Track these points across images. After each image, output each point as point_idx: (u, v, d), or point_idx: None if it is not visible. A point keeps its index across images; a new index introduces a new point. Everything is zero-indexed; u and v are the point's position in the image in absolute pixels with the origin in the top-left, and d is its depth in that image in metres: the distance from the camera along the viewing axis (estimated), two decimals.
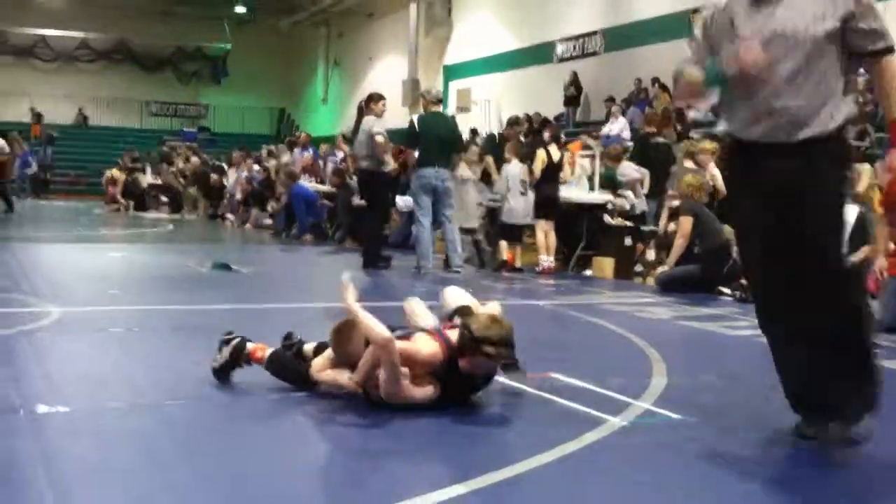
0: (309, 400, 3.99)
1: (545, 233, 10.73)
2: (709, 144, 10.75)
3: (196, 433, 3.48)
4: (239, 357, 4.17)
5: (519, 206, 10.79)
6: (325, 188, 16.06)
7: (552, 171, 10.67)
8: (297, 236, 15.19)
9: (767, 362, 3.78)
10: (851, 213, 7.31)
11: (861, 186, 8.53)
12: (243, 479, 2.98)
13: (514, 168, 10.87)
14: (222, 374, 4.20)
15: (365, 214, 11.05)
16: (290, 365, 4.12)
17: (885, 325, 6.67)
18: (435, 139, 10.07)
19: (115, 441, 3.35)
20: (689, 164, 10.56)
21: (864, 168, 9.17)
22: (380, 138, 10.32)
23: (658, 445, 3.50)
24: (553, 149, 10.88)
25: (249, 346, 4.21)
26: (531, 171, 10.71)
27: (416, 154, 10.30)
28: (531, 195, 10.77)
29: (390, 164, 11.15)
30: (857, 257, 7.14)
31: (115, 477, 2.97)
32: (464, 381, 3.84)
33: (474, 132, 20.31)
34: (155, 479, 2.95)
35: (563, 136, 13.80)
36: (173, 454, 3.22)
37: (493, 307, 4.45)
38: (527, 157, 10.95)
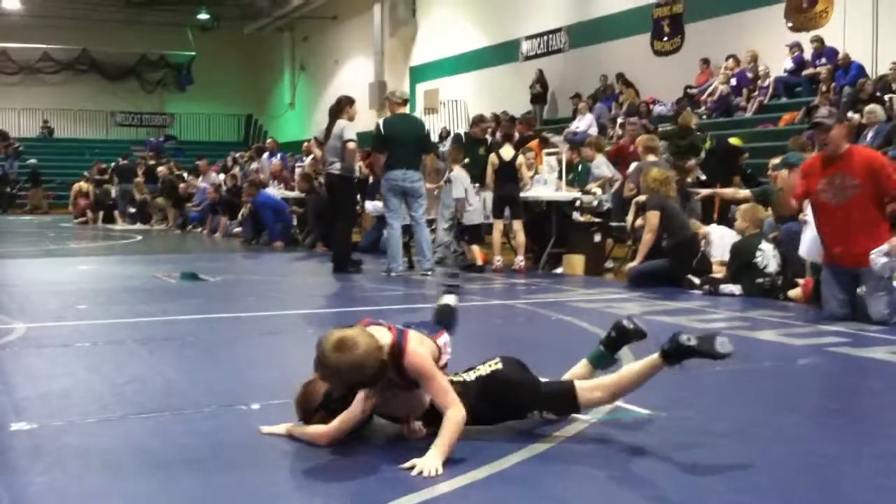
0: (273, 409, 3.96)
1: (501, 232, 10.87)
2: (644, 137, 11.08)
3: (162, 447, 3.44)
4: None
5: (477, 208, 11.09)
6: (294, 194, 16.01)
7: (506, 171, 10.72)
8: (268, 243, 15.13)
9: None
10: None
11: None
12: (210, 494, 2.95)
13: (460, 173, 11.07)
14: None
15: (334, 220, 11.00)
16: None
17: (830, 314, 6.78)
18: (402, 141, 10.04)
19: (80, 457, 3.30)
20: (650, 157, 10.62)
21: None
22: (352, 144, 10.30)
23: (627, 441, 3.50)
24: (506, 148, 10.94)
25: None
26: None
27: (384, 157, 10.27)
28: (489, 196, 10.92)
29: (359, 170, 11.15)
30: None
31: (79, 494, 2.93)
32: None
33: (447, 134, 20.36)
34: (119, 496, 2.92)
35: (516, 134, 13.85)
36: (138, 470, 3.18)
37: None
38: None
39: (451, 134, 20.23)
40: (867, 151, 7.02)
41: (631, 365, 3.66)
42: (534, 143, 13.89)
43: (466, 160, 11.62)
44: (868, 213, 6.61)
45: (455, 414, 3.26)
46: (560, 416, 3.63)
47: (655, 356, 3.54)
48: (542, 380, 3.63)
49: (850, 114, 13.99)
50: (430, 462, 3.11)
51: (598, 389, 3.58)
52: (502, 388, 3.54)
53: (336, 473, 3.18)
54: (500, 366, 3.59)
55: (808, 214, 7.54)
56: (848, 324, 6.47)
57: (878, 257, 6.44)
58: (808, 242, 7.41)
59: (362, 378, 3.25)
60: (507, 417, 3.59)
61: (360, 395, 3.41)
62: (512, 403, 3.55)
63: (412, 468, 3.09)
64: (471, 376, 3.58)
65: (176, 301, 8.00)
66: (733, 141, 14.02)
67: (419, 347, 3.41)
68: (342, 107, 10.52)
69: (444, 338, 3.66)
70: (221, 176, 19.85)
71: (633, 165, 11.48)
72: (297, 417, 3.58)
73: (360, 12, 30.57)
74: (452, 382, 3.47)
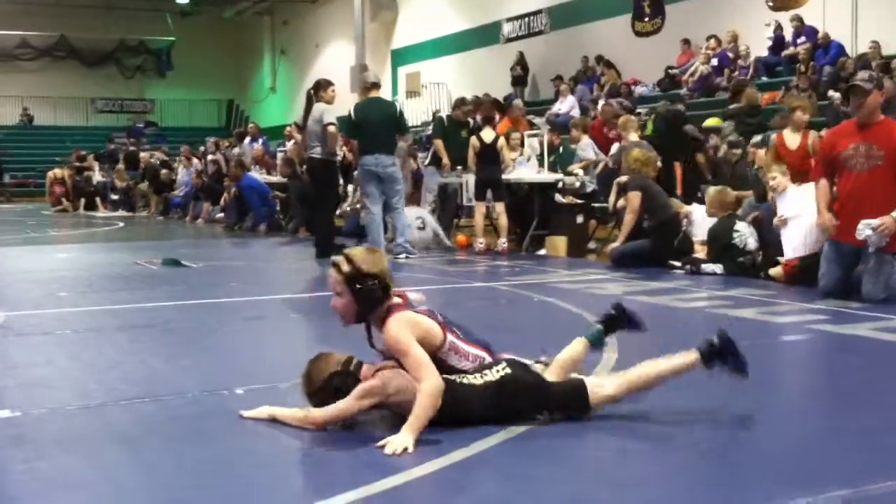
0: (255, 394, 3.95)
1: (483, 215, 10.85)
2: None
3: (142, 435, 3.43)
4: None
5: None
6: (277, 179, 15.95)
7: (487, 154, 10.72)
8: (252, 227, 15.08)
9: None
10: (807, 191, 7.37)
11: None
12: (190, 481, 2.94)
13: None
14: None
15: (316, 204, 10.94)
16: None
17: (823, 290, 6.76)
18: (373, 126, 9.95)
19: (61, 444, 3.29)
20: (633, 137, 10.65)
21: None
22: (332, 128, 10.22)
23: (605, 421, 3.50)
24: (486, 131, 10.94)
25: None
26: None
27: (358, 143, 10.23)
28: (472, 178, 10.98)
29: (341, 154, 11.11)
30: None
31: (60, 481, 2.92)
32: None
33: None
34: (100, 483, 2.91)
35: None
36: (119, 457, 3.16)
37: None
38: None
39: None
40: None
41: (652, 363, 3.54)
42: (501, 127, 13.76)
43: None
44: (887, 189, 6.48)
45: (428, 385, 3.23)
46: (571, 415, 3.48)
47: (690, 356, 3.53)
48: (550, 379, 3.55)
49: (830, 92, 14.03)
50: (400, 440, 3.11)
51: (612, 387, 3.49)
52: (516, 392, 3.44)
53: (314, 457, 3.18)
54: (508, 370, 3.48)
55: (784, 213, 7.53)
56: (830, 301, 6.49)
57: (864, 228, 6.41)
58: (793, 240, 7.41)
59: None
60: (516, 420, 3.45)
61: (358, 390, 3.38)
62: (525, 406, 3.46)
63: (385, 447, 3.09)
64: (479, 380, 3.46)
65: (158, 288, 7.97)
66: (712, 121, 14.05)
67: (402, 323, 3.40)
68: (319, 90, 10.45)
69: (471, 348, 3.61)
70: (197, 162, 19.77)
71: (615, 147, 11.50)
72: (303, 393, 3.53)
73: None
74: (462, 385, 3.42)
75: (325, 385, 3.47)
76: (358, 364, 3.52)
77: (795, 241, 7.44)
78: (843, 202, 6.72)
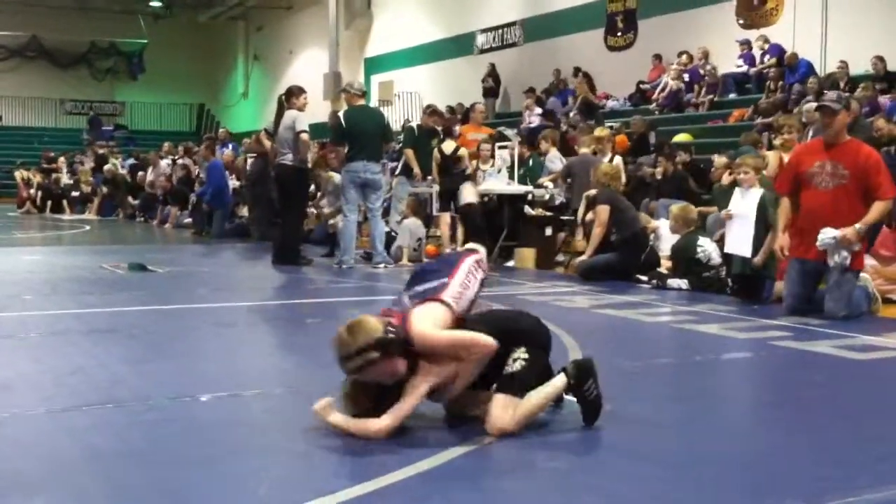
0: (219, 401, 3.95)
1: (448, 225, 10.94)
2: (601, 131, 11.04)
3: (104, 440, 3.41)
4: None
5: None
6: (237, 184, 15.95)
7: (449, 165, 10.81)
8: (219, 232, 14.99)
9: (680, 346, 3.83)
10: (755, 195, 7.47)
11: (769, 170, 8.72)
12: (151, 488, 2.93)
13: None
14: None
15: (284, 212, 10.89)
16: None
17: (788, 308, 6.85)
18: (363, 133, 10.03)
19: (21, 449, 3.26)
20: (584, 150, 10.90)
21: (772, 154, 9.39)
22: (305, 136, 10.23)
23: (570, 433, 3.52)
24: (447, 143, 11.03)
25: None
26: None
27: (346, 149, 10.23)
28: None
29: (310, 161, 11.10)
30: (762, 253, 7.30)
31: (19, 486, 2.89)
32: None
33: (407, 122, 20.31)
34: (60, 489, 2.89)
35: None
36: (79, 462, 3.15)
37: None
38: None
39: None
40: (867, 148, 6.93)
41: (535, 393, 3.54)
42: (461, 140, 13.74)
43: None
44: (851, 207, 6.60)
45: (489, 347, 3.43)
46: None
47: (560, 381, 3.56)
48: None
49: (796, 110, 14.18)
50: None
51: (513, 423, 3.46)
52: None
53: (276, 467, 3.16)
54: (526, 355, 3.56)
55: (732, 209, 7.64)
56: (792, 318, 6.57)
57: (827, 238, 6.50)
58: (735, 238, 7.51)
59: (384, 346, 3.32)
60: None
61: (415, 380, 3.40)
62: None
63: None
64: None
65: (123, 292, 7.91)
66: (682, 137, 14.17)
67: (420, 326, 3.42)
68: (291, 97, 10.45)
69: (453, 285, 3.61)
70: (166, 162, 19.72)
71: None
72: (338, 357, 3.43)
73: (315, 2, 30.40)
74: (517, 375, 3.50)
75: (363, 349, 3.35)
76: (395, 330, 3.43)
77: (737, 237, 7.54)
78: (807, 219, 6.81)
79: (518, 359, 3.55)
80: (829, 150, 6.77)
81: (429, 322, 3.46)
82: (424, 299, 3.57)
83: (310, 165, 11.08)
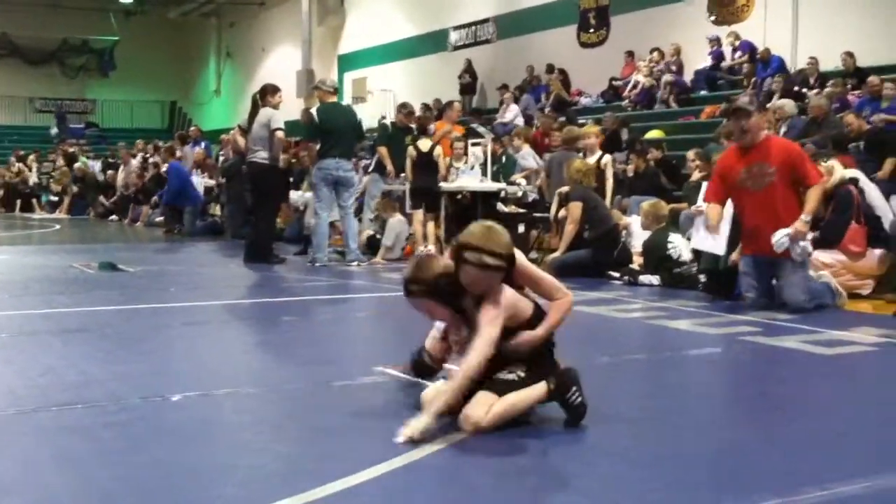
0: (190, 401, 3.94)
1: (422, 223, 10.93)
2: (591, 128, 11.02)
3: (74, 441, 3.39)
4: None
5: None
6: (214, 182, 15.86)
7: (424, 162, 10.81)
8: (188, 231, 14.91)
9: (651, 342, 3.86)
10: None
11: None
12: (122, 488, 2.92)
13: None
14: None
15: (257, 209, 10.85)
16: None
17: (750, 303, 6.94)
18: (336, 130, 10.01)
19: None
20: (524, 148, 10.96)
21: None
22: (281, 134, 10.24)
23: (542, 429, 3.54)
24: (422, 141, 11.02)
25: None
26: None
27: (318, 146, 10.22)
28: None
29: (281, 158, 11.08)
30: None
31: None
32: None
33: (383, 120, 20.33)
34: (31, 490, 2.87)
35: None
36: (50, 464, 3.13)
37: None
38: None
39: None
40: (784, 141, 7.16)
41: (516, 395, 3.55)
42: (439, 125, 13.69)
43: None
44: (786, 201, 6.75)
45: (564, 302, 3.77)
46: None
47: (541, 389, 3.57)
48: None
49: (769, 105, 14.29)
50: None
51: (487, 420, 3.46)
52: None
53: (247, 465, 3.15)
54: (524, 375, 3.60)
55: (702, 205, 7.70)
56: (761, 313, 6.62)
57: (780, 238, 6.61)
58: (704, 234, 7.57)
59: (508, 247, 3.51)
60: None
61: (486, 314, 3.47)
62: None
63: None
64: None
65: (93, 292, 7.87)
66: (654, 133, 14.24)
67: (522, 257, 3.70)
68: (266, 95, 10.43)
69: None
70: (135, 161, 19.62)
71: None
72: (409, 279, 3.65)
73: (287, 0, 30.29)
74: (505, 381, 3.55)
75: (433, 280, 3.58)
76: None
77: (706, 233, 7.60)
78: (749, 220, 6.95)
79: (514, 373, 3.60)
80: (749, 153, 6.89)
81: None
82: None
83: (281, 164, 11.05)
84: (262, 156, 10.28)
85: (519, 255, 3.65)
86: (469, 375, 3.42)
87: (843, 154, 9.55)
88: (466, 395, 3.51)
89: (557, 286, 3.79)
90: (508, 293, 3.59)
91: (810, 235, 6.86)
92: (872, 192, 8.21)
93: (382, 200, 11.50)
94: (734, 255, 7.30)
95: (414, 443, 3.23)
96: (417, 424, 3.29)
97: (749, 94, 7.89)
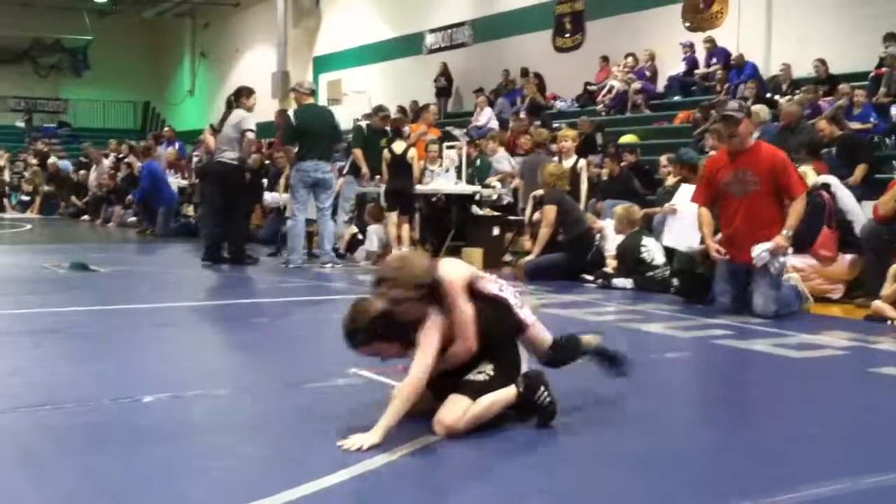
0: (161, 402, 3.90)
1: (396, 225, 10.92)
2: (568, 132, 11.05)
3: (43, 443, 3.35)
4: None
5: None
6: (187, 183, 15.78)
7: (398, 165, 10.81)
8: (163, 230, 14.80)
9: (625, 345, 3.87)
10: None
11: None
12: (91, 490, 2.89)
13: None
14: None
15: (228, 210, 10.73)
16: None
17: (721, 308, 6.96)
18: (315, 132, 9.97)
19: None
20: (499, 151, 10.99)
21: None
22: (251, 135, 10.25)
23: (517, 433, 3.53)
24: (397, 143, 11.03)
25: None
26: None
27: (296, 148, 10.17)
28: None
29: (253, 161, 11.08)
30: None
31: None
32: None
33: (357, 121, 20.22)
34: None
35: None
36: (15, 465, 3.09)
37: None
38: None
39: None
40: (773, 150, 7.08)
41: (493, 395, 3.55)
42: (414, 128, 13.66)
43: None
44: (767, 210, 6.77)
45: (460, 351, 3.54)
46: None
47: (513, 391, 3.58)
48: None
49: (754, 108, 14.36)
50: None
51: (464, 421, 3.47)
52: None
53: (218, 467, 3.12)
54: (492, 372, 3.60)
55: (677, 203, 7.75)
56: (733, 317, 6.66)
57: (760, 253, 6.64)
58: (675, 231, 7.60)
59: (420, 276, 3.43)
60: None
61: (427, 325, 3.45)
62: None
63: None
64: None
65: (65, 292, 7.79)
66: (628, 138, 14.29)
67: (454, 268, 3.64)
68: (241, 97, 10.41)
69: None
70: (108, 162, 19.49)
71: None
72: (344, 337, 3.60)
73: (262, 0, 30.17)
74: (476, 383, 3.53)
75: (370, 324, 3.53)
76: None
77: (679, 230, 7.62)
78: (729, 226, 6.96)
79: (483, 372, 3.59)
80: (736, 158, 6.91)
81: (461, 273, 3.63)
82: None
83: (251, 164, 11.04)
84: (229, 156, 10.25)
85: (453, 276, 3.56)
86: (407, 400, 3.39)
87: (817, 160, 9.63)
88: (439, 396, 3.51)
89: (465, 329, 3.55)
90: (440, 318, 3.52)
91: (791, 251, 6.87)
92: (845, 197, 8.28)
93: (371, 206, 11.52)
94: (709, 243, 7.14)
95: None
96: (363, 441, 3.23)
97: (738, 101, 7.81)
